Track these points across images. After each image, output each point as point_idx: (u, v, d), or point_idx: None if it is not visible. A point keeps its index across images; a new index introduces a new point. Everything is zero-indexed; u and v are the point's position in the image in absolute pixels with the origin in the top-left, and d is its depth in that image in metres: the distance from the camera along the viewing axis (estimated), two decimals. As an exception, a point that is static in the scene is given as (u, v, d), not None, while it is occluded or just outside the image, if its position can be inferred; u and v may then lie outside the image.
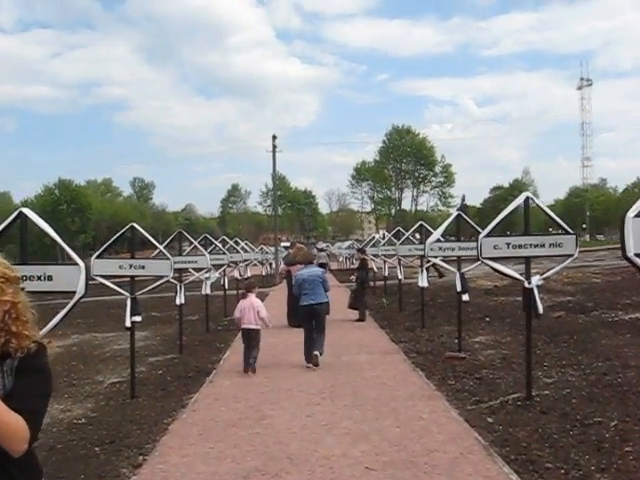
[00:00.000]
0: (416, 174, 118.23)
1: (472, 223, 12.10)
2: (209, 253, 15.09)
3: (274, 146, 39.60)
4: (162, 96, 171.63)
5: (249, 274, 25.99)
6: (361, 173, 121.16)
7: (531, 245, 7.86)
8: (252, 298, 11.00)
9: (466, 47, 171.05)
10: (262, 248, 37.07)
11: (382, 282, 24.31)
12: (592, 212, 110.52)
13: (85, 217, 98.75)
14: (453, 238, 13.02)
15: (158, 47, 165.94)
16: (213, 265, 15.80)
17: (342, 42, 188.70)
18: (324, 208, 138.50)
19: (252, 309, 10.75)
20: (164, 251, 9.99)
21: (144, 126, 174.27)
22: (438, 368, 10.14)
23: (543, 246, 7.88)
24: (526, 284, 7.86)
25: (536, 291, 7.86)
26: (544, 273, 8.29)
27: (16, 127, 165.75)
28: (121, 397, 9.31)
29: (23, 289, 2.41)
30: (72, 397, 9.57)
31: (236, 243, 23.31)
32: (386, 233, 27.77)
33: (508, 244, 7.87)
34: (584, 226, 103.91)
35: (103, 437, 7.27)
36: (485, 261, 7.96)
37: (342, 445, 6.49)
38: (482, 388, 8.75)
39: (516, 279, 8.19)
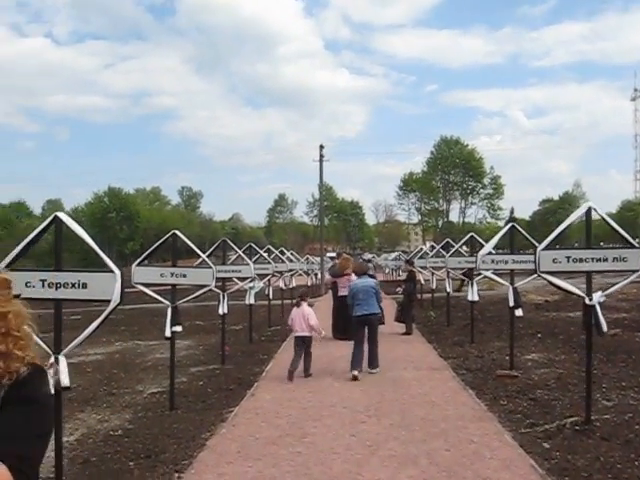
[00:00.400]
0: (464, 185, 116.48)
1: (527, 235, 11.58)
2: (254, 262, 14.89)
3: (321, 155, 39.43)
4: (210, 106, 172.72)
5: (294, 284, 25.74)
6: (408, 184, 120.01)
7: (593, 259, 7.38)
8: (304, 306, 11.29)
9: (516, 58, 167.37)
10: (308, 258, 36.69)
11: (429, 295, 23.84)
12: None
13: (133, 225, 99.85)
14: (503, 251, 12.55)
15: (207, 58, 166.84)
16: (257, 274, 15.54)
17: (391, 53, 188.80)
18: (371, 219, 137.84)
19: (303, 317, 11.09)
20: (206, 260, 9.78)
21: (192, 136, 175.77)
22: (489, 387, 9.66)
23: (606, 260, 7.37)
24: (587, 300, 7.42)
25: (598, 308, 7.37)
26: (607, 289, 7.76)
27: (69, 136, 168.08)
28: (160, 408, 9.08)
29: (18, 296, 1.95)
30: (111, 407, 9.39)
31: (281, 253, 23.06)
32: (434, 244, 27.12)
33: (568, 258, 7.41)
34: (638, 240, 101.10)
35: (139, 451, 7.03)
36: (543, 275, 7.49)
37: (388, 469, 6.10)
38: (537, 410, 8.26)
39: (577, 295, 7.66)
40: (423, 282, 24.08)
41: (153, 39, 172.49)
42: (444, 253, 18.76)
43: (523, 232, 11.84)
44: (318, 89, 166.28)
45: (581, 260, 7.38)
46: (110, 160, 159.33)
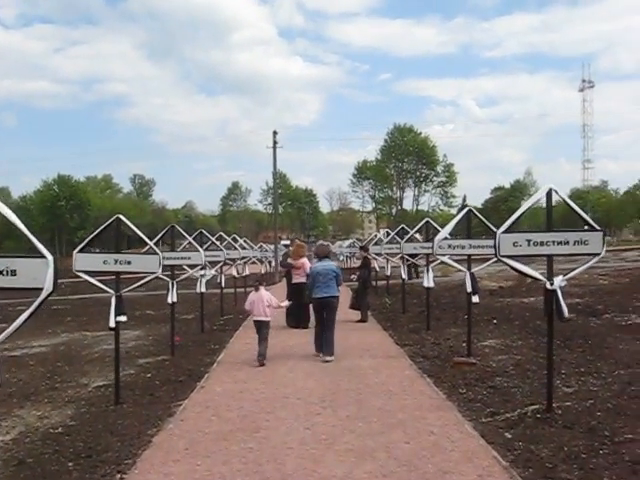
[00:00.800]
0: (418, 173, 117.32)
1: (484, 219, 11.43)
2: (205, 250, 14.44)
3: (275, 142, 38.90)
4: (164, 93, 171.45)
5: (247, 272, 25.36)
6: (362, 172, 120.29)
7: (554, 242, 7.17)
8: (262, 291, 11.32)
9: (469, 48, 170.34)
10: (261, 246, 36.33)
11: (384, 282, 23.64)
12: (594, 214, 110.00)
13: (84, 213, 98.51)
14: (459, 236, 12.20)
15: (160, 44, 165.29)
16: (209, 262, 15.09)
17: (345, 41, 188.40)
18: (325, 207, 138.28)
19: (262, 302, 11.14)
20: (153, 246, 9.21)
21: (145, 123, 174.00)
22: (447, 374, 9.41)
23: (567, 243, 7.18)
24: (548, 285, 7.18)
25: (560, 293, 7.16)
26: (567, 273, 7.50)
27: (16, 122, 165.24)
28: (104, 403, 8.59)
29: None
30: (52, 402, 8.87)
31: (234, 240, 22.58)
32: (389, 231, 26.90)
33: (529, 241, 7.19)
34: (586, 228, 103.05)
35: (79, 450, 6.56)
36: (504, 259, 7.24)
37: (345, 464, 5.77)
38: (496, 398, 8.02)
39: (537, 279, 7.42)
40: (378, 269, 23.87)
41: (104, 24, 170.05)
42: (399, 239, 18.64)
43: (480, 217, 11.65)
44: (272, 77, 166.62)
45: (542, 243, 7.17)
46: (60, 148, 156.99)
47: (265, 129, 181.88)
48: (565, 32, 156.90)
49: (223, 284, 18.74)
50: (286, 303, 12.57)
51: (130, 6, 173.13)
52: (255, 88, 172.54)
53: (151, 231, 14.26)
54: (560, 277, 7.27)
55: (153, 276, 8.83)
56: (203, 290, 14.63)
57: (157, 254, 8.83)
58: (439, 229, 12.84)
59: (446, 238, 11.06)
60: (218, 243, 16.79)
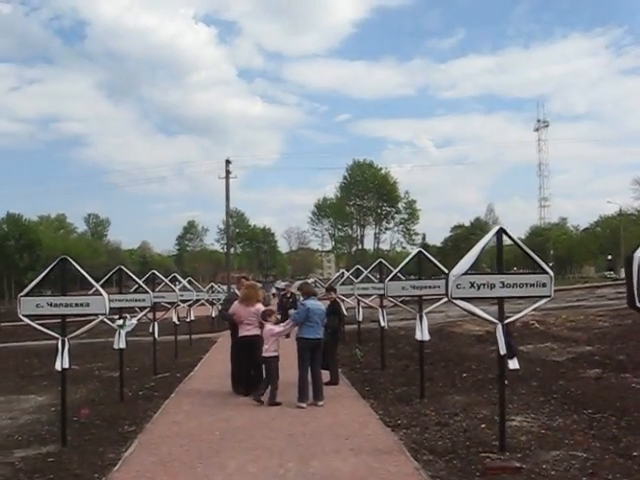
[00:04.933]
0: (378, 210, 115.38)
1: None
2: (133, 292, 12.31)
3: (227, 171, 35.91)
4: (122, 133, 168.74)
5: (192, 317, 21.81)
6: (322, 210, 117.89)
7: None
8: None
9: (425, 89, 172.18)
10: (212, 286, 32.74)
11: (353, 326, 20.06)
12: (555, 251, 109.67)
13: (35, 254, 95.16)
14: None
15: (118, 84, 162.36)
16: (127, 308, 11.63)
17: (304, 82, 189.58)
18: (283, 247, 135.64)
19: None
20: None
21: (103, 163, 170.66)
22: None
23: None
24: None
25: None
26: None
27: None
28: None
29: None
30: None
31: (173, 279, 19.01)
32: (345, 271, 25.23)
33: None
34: (550, 264, 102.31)
35: None
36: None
37: None
38: None
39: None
40: (346, 313, 20.36)
41: (62, 63, 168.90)
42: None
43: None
44: (231, 117, 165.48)
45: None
46: (14, 187, 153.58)
47: (224, 169, 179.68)
48: (519, 74, 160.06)
49: (157, 334, 14.99)
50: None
51: (88, 45, 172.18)
52: (214, 128, 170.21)
53: (105, 272, 11.65)
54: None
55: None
56: (122, 346, 10.93)
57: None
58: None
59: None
60: (142, 286, 13.04)
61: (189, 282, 23.10)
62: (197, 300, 23.57)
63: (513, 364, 7.12)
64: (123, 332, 11.01)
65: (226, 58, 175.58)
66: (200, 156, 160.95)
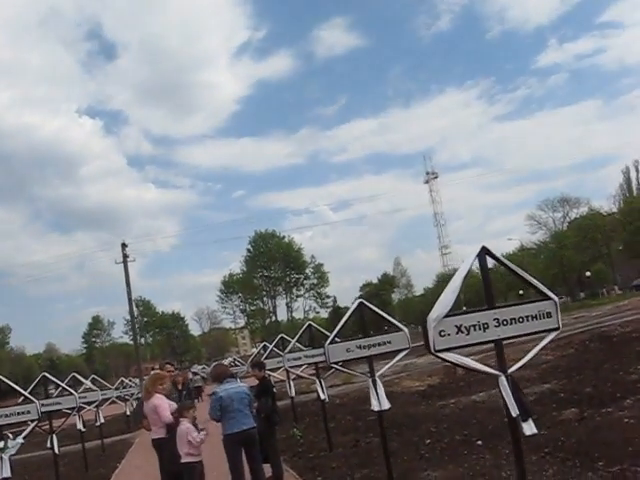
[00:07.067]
0: (287, 279, 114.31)
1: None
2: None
3: (125, 255, 33.88)
4: (14, 235, 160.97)
5: (102, 419, 19.54)
6: (229, 286, 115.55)
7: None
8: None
9: (315, 156, 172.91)
10: (122, 381, 30.27)
11: (286, 403, 18.41)
12: (464, 295, 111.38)
13: None
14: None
15: (6, 185, 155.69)
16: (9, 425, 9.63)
17: (195, 163, 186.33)
18: (196, 329, 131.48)
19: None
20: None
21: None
22: None
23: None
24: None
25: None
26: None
27: None
28: None
29: None
30: None
31: (73, 381, 16.91)
32: (267, 344, 23.94)
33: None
34: (464, 308, 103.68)
35: None
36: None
37: None
38: None
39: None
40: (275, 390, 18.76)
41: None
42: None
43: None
44: (125, 206, 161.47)
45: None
46: None
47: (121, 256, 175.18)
48: (403, 131, 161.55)
49: (57, 448, 12.72)
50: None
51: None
52: (110, 219, 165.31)
53: (12, 381, 9.59)
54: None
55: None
56: (5, 475, 8.81)
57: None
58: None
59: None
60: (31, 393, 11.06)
61: (93, 381, 20.97)
62: (107, 399, 21.51)
63: (530, 428, 5.31)
64: (6, 456, 8.95)
65: (114, 148, 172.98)
66: (99, 249, 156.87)
